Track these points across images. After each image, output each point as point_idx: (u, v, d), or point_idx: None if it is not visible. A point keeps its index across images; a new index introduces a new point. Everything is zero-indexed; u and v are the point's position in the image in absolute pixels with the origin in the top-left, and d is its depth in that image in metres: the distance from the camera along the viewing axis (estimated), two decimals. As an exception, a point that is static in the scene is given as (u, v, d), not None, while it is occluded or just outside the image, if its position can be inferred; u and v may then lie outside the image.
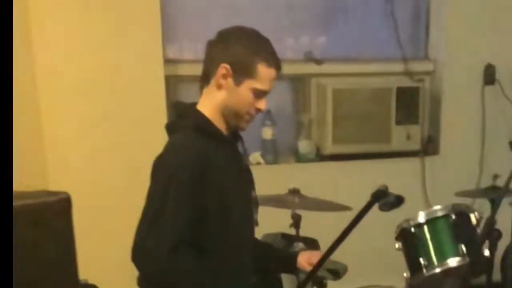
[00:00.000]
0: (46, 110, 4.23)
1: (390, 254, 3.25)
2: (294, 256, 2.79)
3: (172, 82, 4.62)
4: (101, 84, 4.33)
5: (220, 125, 2.49)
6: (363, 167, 4.75)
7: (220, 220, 2.43)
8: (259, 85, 2.43)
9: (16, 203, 2.39)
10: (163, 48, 4.47)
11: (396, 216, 3.20)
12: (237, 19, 4.66)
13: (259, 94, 2.45)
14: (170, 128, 2.52)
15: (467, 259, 3.03)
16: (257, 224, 2.68)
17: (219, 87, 2.44)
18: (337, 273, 2.85)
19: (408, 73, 4.98)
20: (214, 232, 2.43)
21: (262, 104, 2.48)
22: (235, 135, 2.60)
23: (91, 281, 3.63)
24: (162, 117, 4.43)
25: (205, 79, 2.49)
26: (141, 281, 2.55)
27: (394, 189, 2.15)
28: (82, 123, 4.35)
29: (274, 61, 2.46)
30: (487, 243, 3.21)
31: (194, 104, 2.53)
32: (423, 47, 5.19)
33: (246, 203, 2.58)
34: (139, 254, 2.30)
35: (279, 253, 2.91)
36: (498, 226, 3.29)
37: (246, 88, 2.43)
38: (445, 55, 5.02)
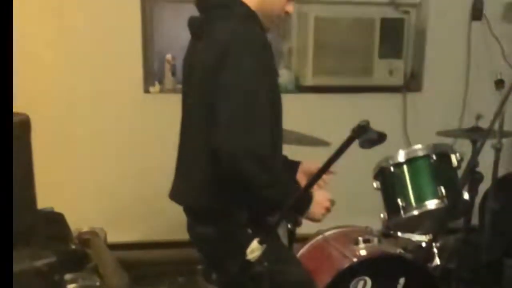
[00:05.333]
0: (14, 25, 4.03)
1: (368, 193, 3.19)
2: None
3: (147, 2, 4.41)
4: (73, 2, 4.18)
5: None
6: (343, 101, 4.64)
7: (274, 117, 2.38)
8: None
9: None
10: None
11: (375, 154, 3.12)
12: None
13: None
14: (214, 16, 2.39)
15: (446, 202, 2.98)
16: None
17: None
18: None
19: (394, 4, 4.79)
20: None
21: (291, 8, 2.47)
22: None
23: (57, 209, 3.53)
24: (136, 39, 4.33)
25: None
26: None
27: (374, 125, 2.03)
28: (50, 42, 4.20)
29: None
30: (467, 186, 3.16)
31: None
32: (411, -23, 5.00)
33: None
34: (237, 154, 2.17)
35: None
36: (480, 169, 3.21)
37: None
38: (433, -14, 4.84)
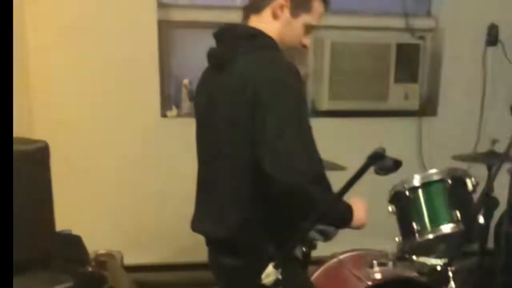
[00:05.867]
0: (33, 55, 4.13)
1: (382, 217, 3.19)
2: None
3: (164, 28, 4.48)
4: (91, 27, 4.23)
5: None
6: (359, 125, 4.66)
7: None
8: (312, 20, 2.45)
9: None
10: (156, -8, 4.36)
11: (390, 178, 3.12)
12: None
13: (308, 29, 2.46)
14: (240, 47, 2.38)
15: (461, 226, 2.98)
16: None
17: (276, 17, 2.42)
18: (327, 235, 2.76)
19: (409, 29, 4.84)
20: None
21: (307, 41, 2.50)
22: None
23: (75, 232, 3.56)
24: (154, 65, 4.37)
25: (255, 7, 2.46)
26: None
27: (389, 149, 2.05)
28: (69, 68, 4.25)
29: None
30: (482, 210, 3.15)
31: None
32: (426, 3, 5.03)
33: None
34: (301, 178, 2.17)
35: None
36: (495, 193, 3.21)
37: (300, 22, 2.43)
38: (448, 12, 4.88)
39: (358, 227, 2.46)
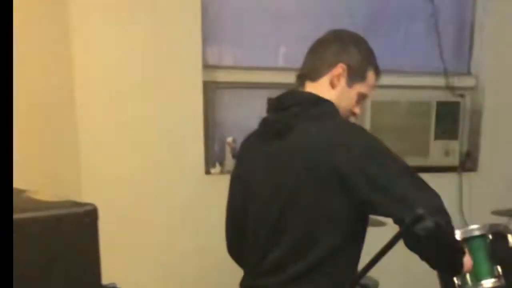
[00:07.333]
0: (82, 118, 4.21)
1: (423, 271, 3.20)
2: None
3: (209, 88, 4.59)
4: (138, 90, 4.32)
5: None
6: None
7: None
8: (365, 90, 2.51)
9: (37, 213, 2.36)
10: (202, 54, 4.44)
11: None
12: (278, 24, 4.65)
13: (360, 99, 2.51)
14: (304, 113, 2.40)
15: (503, 281, 2.98)
16: None
17: (333, 86, 2.46)
18: (367, 289, 2.80)
19: (449, 88, 4.90)
20: None
21: (359, 109, 2.54)
22: None
23: (120, 284, 3.62)
24: (199, 123, 4.46)
25: (312, 75, 2.50)
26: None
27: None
28: (118, 130, 4.34)
29: (379, 69, 2.56)
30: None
31: None
32: (466, 62, 5.10)
33: None
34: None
35: None
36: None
37: (355, 91, 2.48)
38: (488, 70, 4.93)
39: (464, 271, 2.54)
